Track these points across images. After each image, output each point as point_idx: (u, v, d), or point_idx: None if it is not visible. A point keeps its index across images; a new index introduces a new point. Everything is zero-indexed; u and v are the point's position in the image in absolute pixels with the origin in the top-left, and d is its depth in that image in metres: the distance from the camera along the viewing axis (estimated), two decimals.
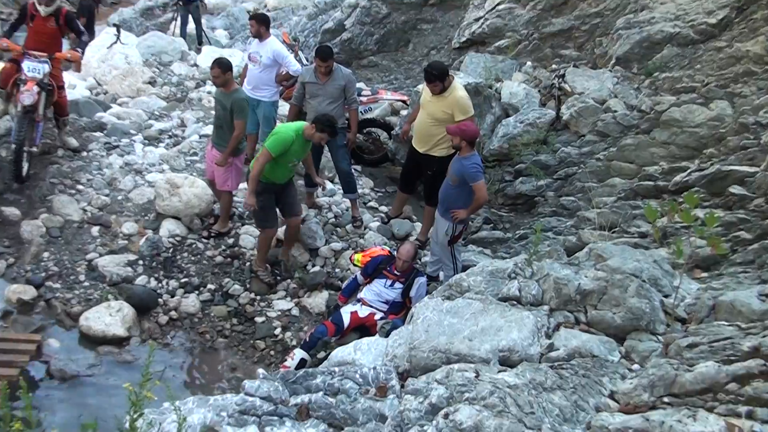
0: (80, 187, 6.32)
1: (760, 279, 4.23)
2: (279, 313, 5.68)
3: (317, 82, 6.10)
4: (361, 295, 5.40)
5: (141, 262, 5.72)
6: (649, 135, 6.13)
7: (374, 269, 5.42)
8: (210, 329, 5.47)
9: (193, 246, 6.00)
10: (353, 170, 6.77)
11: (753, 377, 2.58)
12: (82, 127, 7.24)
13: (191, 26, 11.68)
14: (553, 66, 7.70)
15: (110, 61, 9.10)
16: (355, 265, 5.77)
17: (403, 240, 6.31)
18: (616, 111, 6.46)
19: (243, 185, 6.36)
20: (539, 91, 7.35)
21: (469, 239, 6.49)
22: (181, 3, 11.78)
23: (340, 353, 3.94)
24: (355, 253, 5.94)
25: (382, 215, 6.82)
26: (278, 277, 5.92)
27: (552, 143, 6.71)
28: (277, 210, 5.73)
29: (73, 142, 6.82)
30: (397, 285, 5.33)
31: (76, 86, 8.25)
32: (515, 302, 3.71)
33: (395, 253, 5.47)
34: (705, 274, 4.61)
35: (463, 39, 8.98)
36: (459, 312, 3.53)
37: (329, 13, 11.17)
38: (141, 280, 5.60)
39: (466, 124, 5.40)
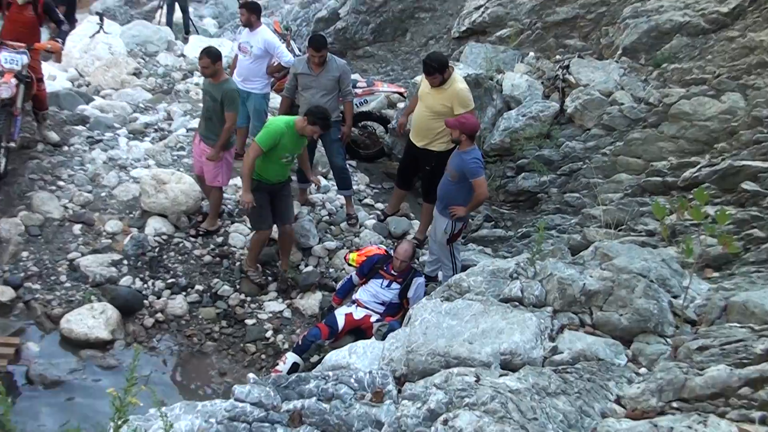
0: (61, 183, 6.23)
1: None
2: (270, 315, 5.65)
3: (310, 73, 6.06)
4: (356, 296, 5.41)
5: (125, 261, 5.66)
6: (658, 129, 6.10)
7: (370, 269, 5.41)
8: (198, 332, 5.43)
9: (180, 245, 5.94)
10: (348, 165, 6.75)
11: (766, 381, 2.53)
12: (63, 121, 7.16)
13: (178, 15, 11.63)
14: (557, 56, 7.68)
15: (93, 51, 9.01)
16: (350, 264, 5.78)
17: (400, 239, 6.31)
18: (622, 104, 6.42)
19: (233, 181, 6.23)
20: (542, 82, 7.32)
21: (469, 238, 6.48)
22: None
23: (334, 357, 3.92)
24: (350, 252, 5.93)
25: (379, 213, 6.79)
26: (269, 278, 5.89)
27: (556, 137, 6.68)
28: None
29: (54, 136, 6.73)
30: (394, 285, 5.33)
31: (56, 77, 8.16)
32: (517, 303, 3.68)
33: (392, 252, 5.48)
34: (716, 274, 4.58)
35: (463, 28, 8.97)
36: (458, 314, 3.52)
37: (322, 1, 11.22)
38: (125, 280, 5.54)
39: (465, 117, 5.38)
